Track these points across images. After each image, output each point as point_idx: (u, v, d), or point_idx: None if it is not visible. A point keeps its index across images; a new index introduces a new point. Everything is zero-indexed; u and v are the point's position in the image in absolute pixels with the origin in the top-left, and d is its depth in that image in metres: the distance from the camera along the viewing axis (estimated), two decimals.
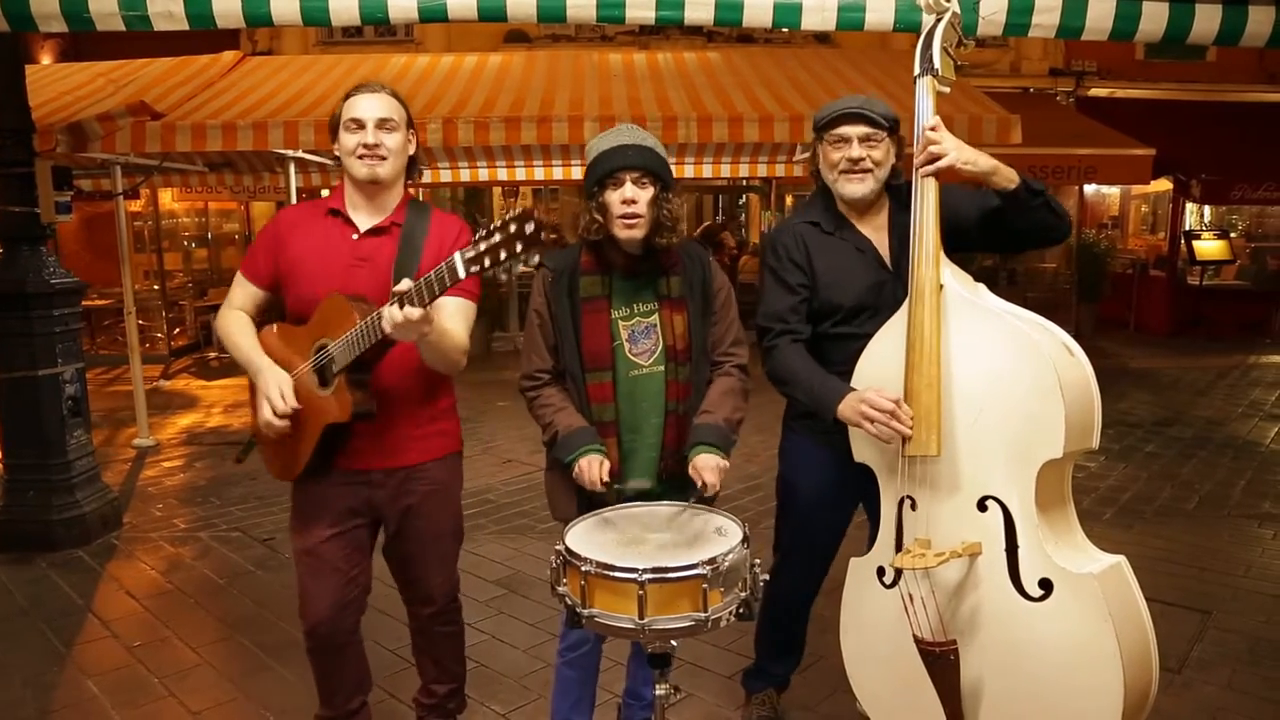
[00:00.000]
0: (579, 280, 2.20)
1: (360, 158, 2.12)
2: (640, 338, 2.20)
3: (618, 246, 2.18)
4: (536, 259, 1.71)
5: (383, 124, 2.13)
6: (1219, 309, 11.42)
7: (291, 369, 2.14)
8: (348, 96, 2.16)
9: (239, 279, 2.28)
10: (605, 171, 2.12)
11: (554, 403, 2.21)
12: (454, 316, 2.12)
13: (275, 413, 2.06)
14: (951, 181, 2.13)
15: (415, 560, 2.36)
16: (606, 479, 2.08)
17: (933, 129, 2.04)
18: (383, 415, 2.13)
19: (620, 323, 2.20)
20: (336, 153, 2.19)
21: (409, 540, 2.32)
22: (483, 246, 1.71)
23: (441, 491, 2.32)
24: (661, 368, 2.20)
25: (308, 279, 2.15)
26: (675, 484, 2.20)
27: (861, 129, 2.21)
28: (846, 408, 2.07)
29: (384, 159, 2.13)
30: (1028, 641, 1.89)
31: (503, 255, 1.69)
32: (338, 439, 2.14)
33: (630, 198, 2.11)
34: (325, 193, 10.52)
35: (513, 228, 1.68)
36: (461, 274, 1.75)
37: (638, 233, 2.13)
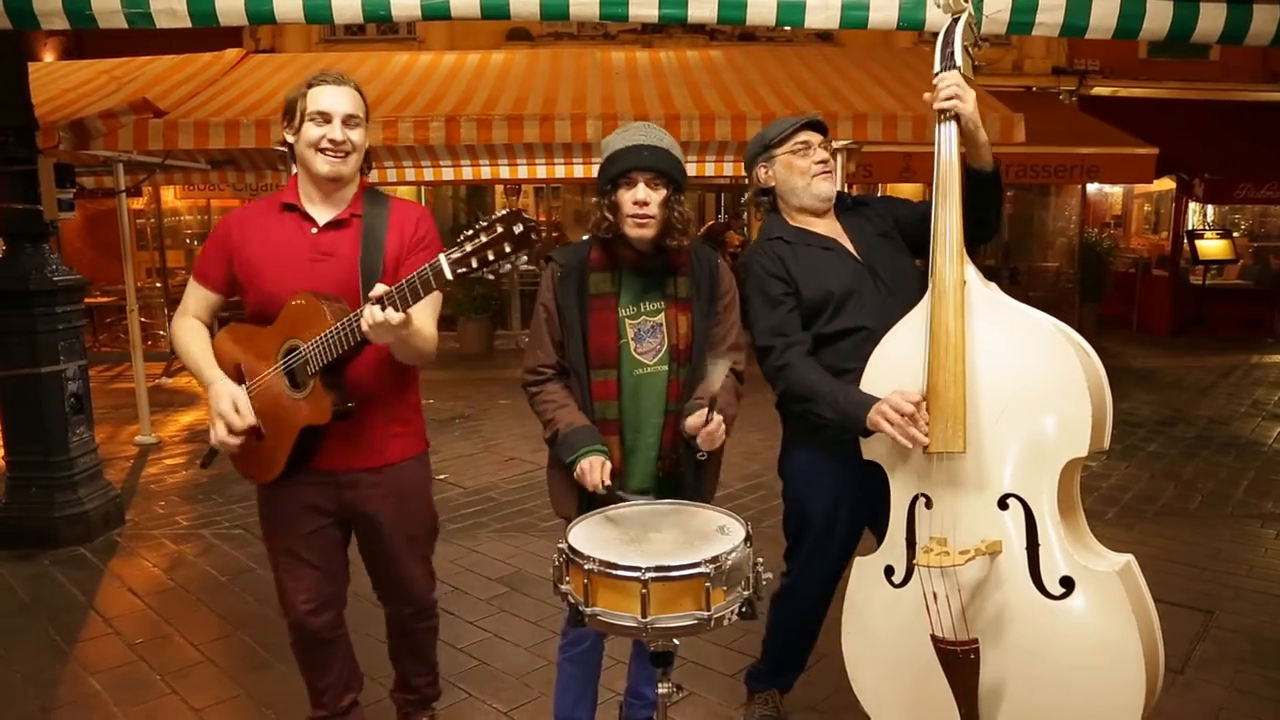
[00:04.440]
0: (589, 276, 2.21)
1: (323, 151, 2.07)
2: (646, 336, 2.21)
3: (628, 243, 2.18)
4: (524, 260, 1.68)
5: (349, 120, 2.08)
6: (1222, 308, 11.41)
7: (256, 373, 2.11)
8: (310, 85, 2.09)
9: (191, 284, 2.22)
10: (619, 171, 2.13)
11: (556, 399, 2.21)
12: (424, 307, 2.08)
13: (232, 429, 2.03)
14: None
15: (395, 563, 2.33)
16: (609, 482, 2.07)
17: (958, 84, 2.05)
18: (355, 414, 2.11)
19: (627, 321, 2.20)
20: (289, 140, 2.12)
21: (386, 543, 2.29)
22: (469, 248, 1.68)
23: (412, 493, 2.30)
24: (665, 367, 2.21)
25: (270, 278, 2.09)
26: (671, 484, 2.21)
27: (818, 135, 2.38)
28: (875, 414, 2.06)
29: (349, 154, 2.09)
30: (1049, 640, 1.88)
31: (490, 256, 1.66)
32: (314, 440, 2.11)
33: (642, 199, 2.11)
34: None
35: (500, 228, 1.65)
36: (448, 275, 1.72)
37: (648, 232, 2.14)
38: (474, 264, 1.68)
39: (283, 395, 2.08)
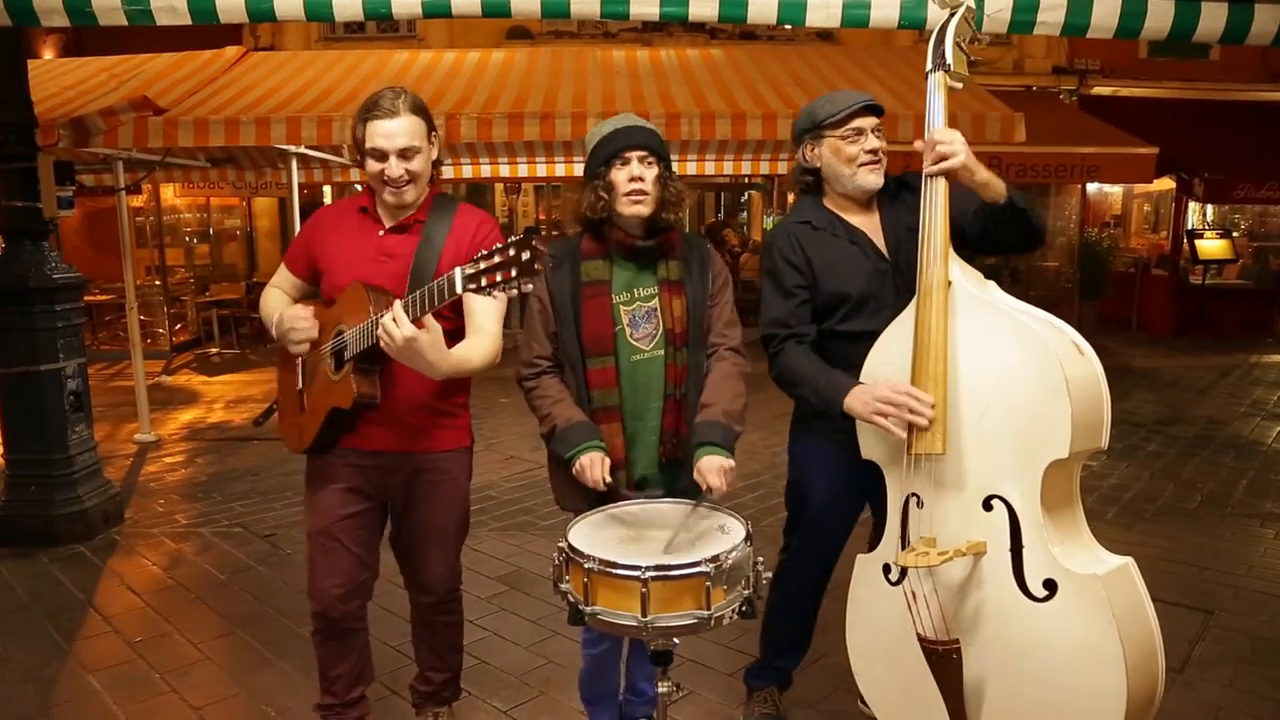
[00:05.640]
0: (580, 264, 2.22)
1: (385, 183, 2.16)
2: (641, 322, 2.21)
3: (619, 227, 2.19)
4: (529, 286, 1.73)
5: (405, 152, 2.13)
6: (1221, 308, 11.41)
7: (314, 346, 2.24)
8: (367, 115, 2.13)
9: (282, 267, 2.42)
10: (612, 151, 2.16)
11: (552, 394, 2.21)
12: (487, 314, 2.16)
13: (300, 328, 2.18)
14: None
15: (417, 550, 2.40)
16: (609, 479, 2.07)
17: (944, 131, 2.03)
18: (396, 402, 2.18)
19: (621, 307, 2.21)
20: (361, 164, 2.21)
21: (413, 530, 2.37)
22: (482, 265, 1.73)
23: (451, 484, 2.36)
24: (661, 352, 2.21)
25: (339, 272, 2.23)
26: (675, 469, 2.21)
27: (873, 120, 2.26)
28: (856, 401, 2.06)
29: (410, 183, 2.17)
30: (1031, 642, 1.88)
31: (498, 277, 1.72)
32: (345, 421, 2.20)
33: (638, 175, 2.14)
34: (327, 189, 10.62)
35: (511, 251, 1.70)
36: (459, 289, 1.77)
37: (644, 209, 2.16)
38: (483, 281, 1.74)
39: (327, 373, 2.20)
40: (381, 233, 2.23)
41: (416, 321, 1.90)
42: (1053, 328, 1.94)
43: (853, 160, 2.25)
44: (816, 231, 2.31)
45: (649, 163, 2.16)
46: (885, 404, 1.99)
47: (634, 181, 2.14)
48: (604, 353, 2.19)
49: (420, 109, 2.18)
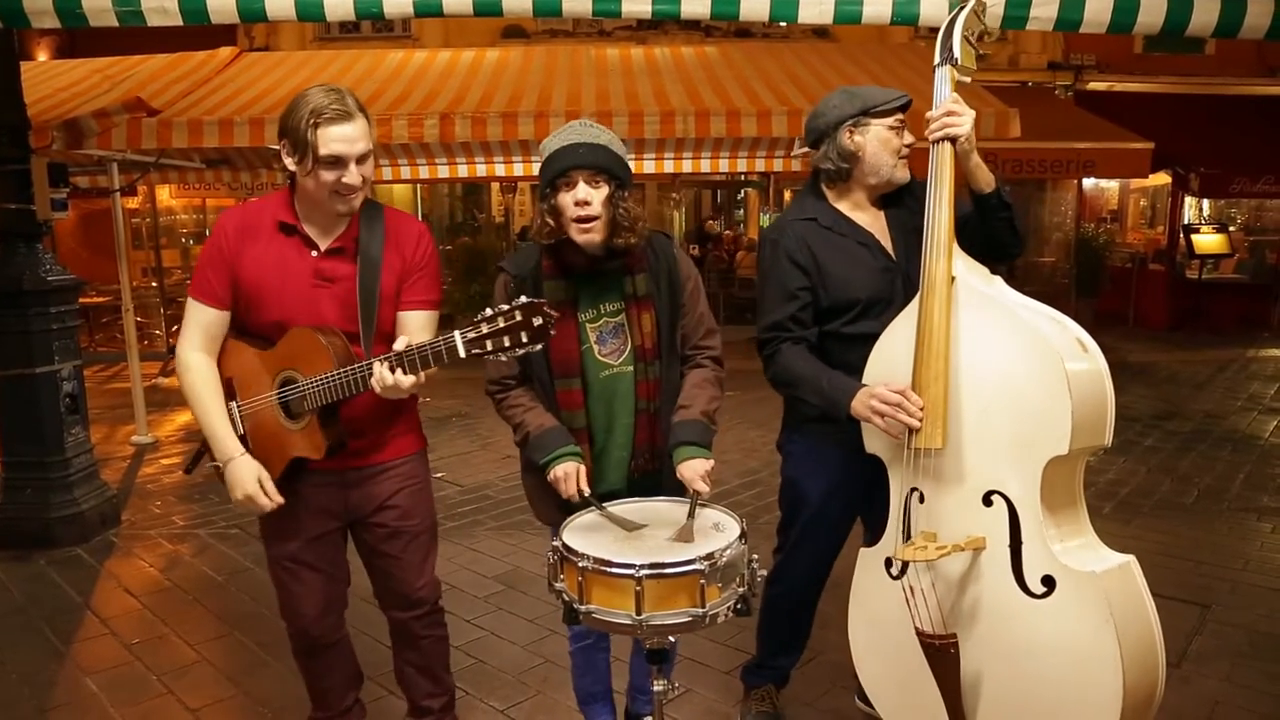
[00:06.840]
0: (542, 285, 2.12)
1: (336, 193, 1.98)
2: (608, 338, 2.16)
3: (577, 248, 2.08)
4: (538, 348, 1.69)
5: (362, 159, 1.97)
6: (1218, 303, 11.42)
7: (249, 393, 2.11)
8: (319, 121, 1.91)
9: (195, 307, 2.08)
10: (556, 172, 2.04)
11: (523, 403, 2.16)
12: (423, 331, 2.08)
13: (258, 506, 2.05)
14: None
15: (399, 561, 2.28)
16: (586, 491, 2.03)
17: (955, 103, 2.04)
18: (351, 421, 2.09)
19: (587, 325, 2.15)
20: (291, 167, 1.98)
21: (391, 541, 2.26)
22: (485, 330, 1.67)
23: (418, 487, 2.28)
24: (631, 368, 2.16)
25: (272, 304, 2.04)
26: (647, 481, 2.18)
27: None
28: (859, 404, 2.06)
29: (361, 190, 2.01)
30: (1028, 638, 1.88)
31: (506, 342, 1.66)
32: (304, 464, 2.10)
33: (583, 198, 2.01)
34: None
35: (519, 316, 1.64)
36: (462, 354, 1.72)
37: (595, 237, 2.04)
38: (488, 346, 1.68)
39: (276, 421, 2.06)
40: (315, 253, 2.05)
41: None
42: (1057, 323, 1.94)
43: (896, 152, 2.23)
44: (823, 230, 2.27)
45: (597, 182, 2.03)
46: (880, 402, 1.99)
47: (580, 206, 2.01)
48: (570, 375, 2.13)
49: (363, 107, 2.00)
